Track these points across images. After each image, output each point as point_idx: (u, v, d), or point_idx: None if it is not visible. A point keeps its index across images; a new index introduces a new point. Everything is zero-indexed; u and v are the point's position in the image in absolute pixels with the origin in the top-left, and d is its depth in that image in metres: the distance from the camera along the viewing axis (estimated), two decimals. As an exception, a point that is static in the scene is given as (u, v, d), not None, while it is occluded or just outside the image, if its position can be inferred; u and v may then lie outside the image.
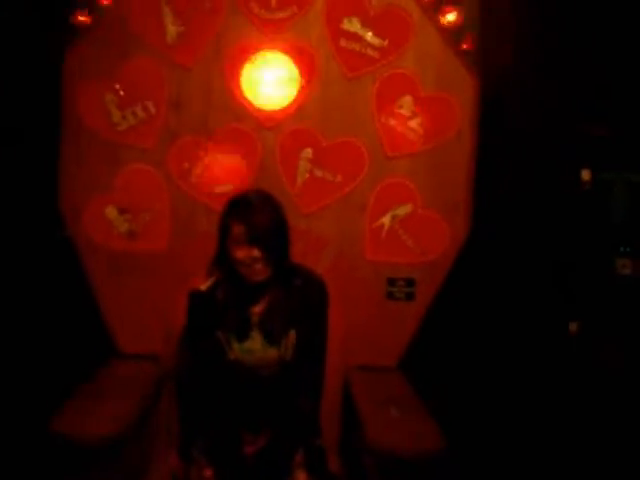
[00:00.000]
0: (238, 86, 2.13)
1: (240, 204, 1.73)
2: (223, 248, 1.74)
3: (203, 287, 1.78)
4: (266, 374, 1.78)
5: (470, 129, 2.15)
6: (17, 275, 2.36)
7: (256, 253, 1.67)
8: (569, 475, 2.30)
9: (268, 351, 1.77)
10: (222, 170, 2.15)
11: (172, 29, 2.13)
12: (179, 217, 2.15)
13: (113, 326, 2.15)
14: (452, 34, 2.18)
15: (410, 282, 2.16)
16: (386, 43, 2.14)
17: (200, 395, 1.81)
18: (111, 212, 2.14)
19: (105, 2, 2.13)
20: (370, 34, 2.14)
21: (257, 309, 1.80)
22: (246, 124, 2.14)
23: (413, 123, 2.16)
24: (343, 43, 2.14)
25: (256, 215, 1.68)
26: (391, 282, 2.16)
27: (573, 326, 2.36)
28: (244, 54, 2.13)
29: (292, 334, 1.78)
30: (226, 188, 2.11)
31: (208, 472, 1.68)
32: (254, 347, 1.78)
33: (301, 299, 1.79)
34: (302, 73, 2.14)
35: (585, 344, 2.36)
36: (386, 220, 2.16)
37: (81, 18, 2.15)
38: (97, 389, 1.94)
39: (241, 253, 1.68)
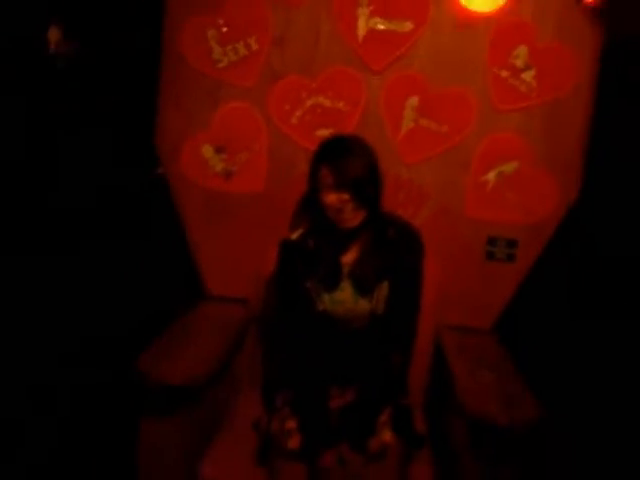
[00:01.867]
0: (347, 27, 2.04)
1: (330, 148, 1.68)
2: (313, 192, 1.68)
3: (294, 236, 1.74)
4: (356, 327, 1.73)
5: (588, 85, 2.02)
6: (115, 210, 2.35)
7: (345, 197, 1.62)
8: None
9: (359, 303, 1.72)
10: (324, 113, 2.07)
11: (280, -36, 2.05)
12: (277, 159, 2.09)
13: (204, 267, 2.14)
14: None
15: (512, 243, 2.07)
16: (505, -11, 2.02)
17: (287, 345, 1.78)
18: (208, 150, 2.10)
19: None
20: (488, -21, 2.02)
21: (348, 258, 1.74)
22: (352, 67, 2.05)
23: (527, 75, 2.04)
24: (458, -13, 2.03)
25: (345, 159, 1.64)
26: (492, 242, 2.07)
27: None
28: (354, -5, 2.03)
29: (384, 286, 1.72)
30: (327, 132, 2.04)
31: (291, 424, 1.64)
32: (344, 298, 1.72)
33: (395, 250, 1.73)
34: (412, 17, 2.03)
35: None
36: (491, 176, 2.06)
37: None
38: (184, 331, 1.92)
39: (330, 198, 1.63)
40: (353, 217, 1.66)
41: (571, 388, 2.25)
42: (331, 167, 1.64)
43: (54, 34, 2.24)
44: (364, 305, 1.73)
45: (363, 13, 2.05)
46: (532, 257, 2.07)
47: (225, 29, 2.07)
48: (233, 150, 2.09)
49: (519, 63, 2.04)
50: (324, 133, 2.04)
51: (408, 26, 2.05)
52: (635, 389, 2.25)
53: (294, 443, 1.62)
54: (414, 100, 2.06)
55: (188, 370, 1.64)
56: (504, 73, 2.05)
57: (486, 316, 2.10)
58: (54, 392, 2.29)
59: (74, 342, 2.33)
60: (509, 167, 2.06)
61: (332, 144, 1.72)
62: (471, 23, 2.03)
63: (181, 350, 1.77)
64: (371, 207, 1.68)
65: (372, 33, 2.05)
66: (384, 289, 1.73)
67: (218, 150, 2.09)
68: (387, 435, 1.65)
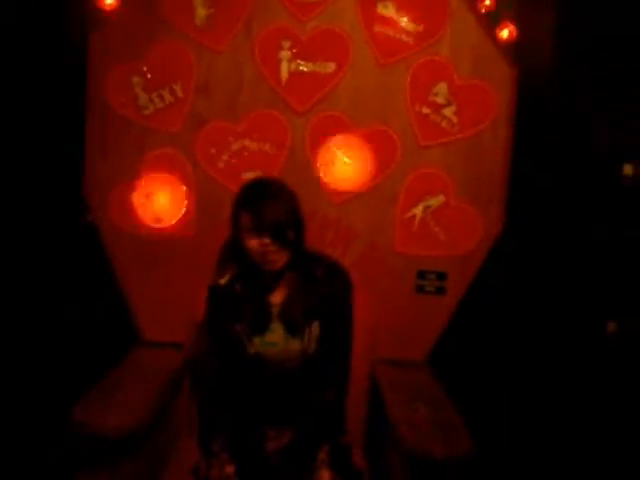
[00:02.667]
0: (270, 71, 2.07)
1: (249, 192, 1.71)
2: (235, 237, 1.70)
3: (222, 281, 1.75)
4: (288, 368, 1.74)
5: (506, 119, 2.09)
6: (41, 261, 2.33)
7: (266, 241, 1.63)
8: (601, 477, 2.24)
9: (290, 343, 1.73)
10: (251, 156, 2.10)
11: (201, 11, 2.08)
12: (205, 203, 2.10)
13: (137, 312, 2.13)
14: (489, 21, 2.11)
15: (441, 275, 2.10)
16: (421, 28, 2.07)
17: (220, 389, 1.78)
18: (137, 197, 2.09)
19: (133, -17, 2.08)
20: (405, 19, 2.07)
21: (276, 299, 1.76)
22: (277, 109, 2.08)
23: (447, 111, 2.09)
24: (377, 28, 2.07)
25: (264, 203, 1.65)
26: (421, 275, 2.11)
27: (611, 325, 2.28)
28: (276, 37, 2.07)
29: (315, 326, 1.74)
30: (254, 175, 2.06)
31: (229, 469, 1.64)
32: (275, 339, 1.74)
33: (323, 289, 1.75)
34: (334, 59, 2.07)
35: (623, 344, 2.28)
36: (418, 211, 2.10)
37: (107, 1, 2.09)
38: (119, 379, 1.90)
39: (252, 242, 1.65)
40: (277, 259, 1.67)
41: (506, 419, 2.28)
42: (251, 212, 1.66)
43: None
44: (295, 345, 1.74)
45: (285, 56, 2.08)
46: (462, 289, 2.11)
47: (150, 76, 2.08)
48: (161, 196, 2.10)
49: (439, 100, 2.10)
50: (251, 176, 2.05)
51: (330, 67, 2.09)
52: (574, 423, 2.29)
53: (233, 487, 1.61)
54: (338, 139, 2.09)
55: (122, 421, 1.62)
56: (425, 110, 2.10)
57: (419, 348, 2.13)
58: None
59: (5, 394, 2.28)
60: (435, 201, 2.10)
61: (251, 189, 1.74)
62: (391, 62, 2.08)
63: (115, 399, 1.75)
64: (294, 249, 1.70)
65: (295, 75, 2.08)
66: (315, 328, 1.75)
67: (148, 197, 2.09)
68: (325, 474, 1.65)
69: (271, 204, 1.66)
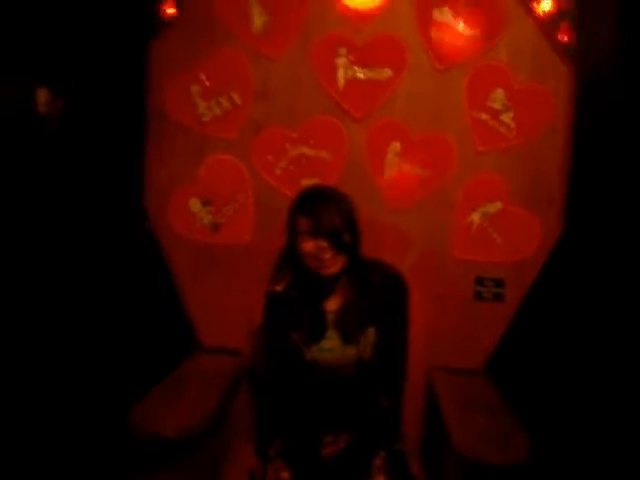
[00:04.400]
0: (327, 77, 2.08)
1: (305, 198, 1.73)
2: (291, 242, 1.72)
3: (279, 287, 1.78)
4: (344, 374, 1.75)
5: (565, 122, 2.05)
6: (104, 270, 2.37)
7: (323, 244, 1.64)
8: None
9: (346, 350, 1.74)
10: (308, 163, 2.10)
11: (258, 19, 2.09)
12: (264, 210, 2.12)
13: (196, 319, 2.14)
14: (548, 24, 2.08)
15: (499, 282, 2.08)
16: (478, 33, 2.05)
17: (277, 395, 1.79)
18: (195, 204, 2.12)
19: (192, -8, 2.11)
20: (462, 24, 2.06)
21: (332, 306, 1.77)
22: (334, 116, 2.09)
23: (505, 117, 2.07)
24: (433, 33, 2.06)
25: (320, 207, 1.67)
26: (479, 282, 2.09)
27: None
28: (332, 44, 2.07)
29: (370, 332, 1.74)
30: (312, 181, 2.07)
31: (285, 474, 1.65)
32: (331, 346, 1.74)
33: (379, 295, 1.76)
34: (391, 65, 2.07)
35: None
36: (475, 217, 2.08)
37: (168, 10, 2.14)
38: (178, 382, 1.92)
39: (308, 245, 1.66)
40: (333, 264, 1.68)
41: (565, 426, 2.25)
42: (308, 215, 1.68)
43: (42, 95, 2.28)
44: (351, 352, 1.75)
45: (342, 63, 2.09)
46: (520, 295, 2.08)
47: (208, 84, 2.11)
48: (220, 203, 2.12)
49: (497, 105, 2.08)
50: (309, 183, 2.07)
51: (387, 73, 2.08)
52: (631, 428, 2.24)
53: (289, 492, 1.62)
54: (396, 146, 2.09)
55: (182, 422, 1.64)
56: (483, 116, 2.08)
57: (477, 356, 2.11)
58: (46, 445, 2.28)
59: (67, 396, 2.33)
60: (492, 207, 2.08)
61: (307, 194, 1.77)
62: (448, 68, 2.07)
63: (175, 402, 1.77)
64: (350, 253, 1.70)
65: (352, 82, 2.08)
66: (370, 335, 1.75)
67: (205, 203, 2.12)
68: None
69: (327, 208, 1.69)
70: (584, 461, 2.24)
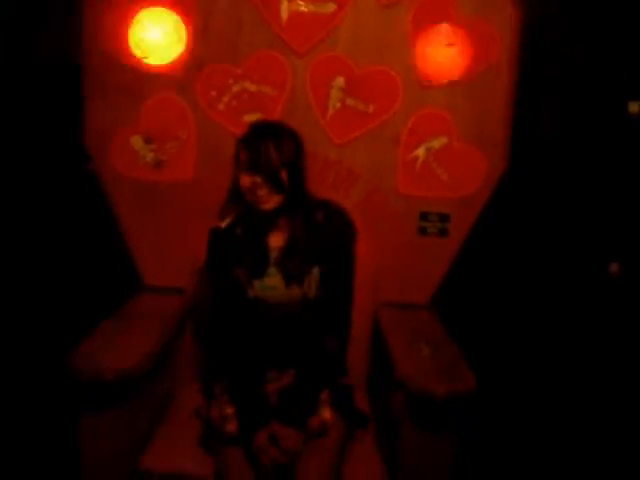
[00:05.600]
0: (270, 11, 2.04)
1: (251, 132, 1.71)
2: (236, 176, 1.70)
3: (222, 224, 1.77)
4: (289, 312, 1.75)
5: (510, 59, 2.05)
6: (43, 209, 2.32)
7: (258, 180, 1.63)
8: (602, 422, 2.24)
9: (290, 288, 1.74)
10: (251, 98, 2.07)
11: (200, -49, 2.04)
12: (206, 146, 2.08)
13: (139, 258, 2.12)
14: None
15: (444, 217, 2.09)
16: (423, -34, 2.03)
17: (221, 332, 1.78)
18: (137, 142, 2.08)
19: None
20: (406, -44, 2.03)
21: (276, 244, 1.76)
22: (277, 51, 2.05)
23: (450, 51, 2.06)
24: (378, -33, 2.04)
25: (262, 141, 1.66)
26: (424, 217, 2.09)
27: (614, 267, 2.26)
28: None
29: (315, 271, 1.74)
30: (255, 117, 2.04)
31: (229, 409, 1.65)
32: (274, 284, 1.74)
33: (324, 235, 1.75)
34: (335, -1, 2.04)
35: (626, 286, 2.26)
36: (420, 152, 2.08)
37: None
38: (120, 323, 1.90)
39: (245, 180, 1.66)
40: (268, 200, 1.67)
41: (507, 360, 2.28)
42: (248, 149, 1.67)
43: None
44: (295, 291, 1.74)
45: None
46: (465, 231, 2.10)
47: (147, 19, 2.05)
48: (162, 140, 2.08)
49: (442, 40, 2.06)
50: (252, 118, 2.04)
51: (331, 7, 2.05)
52: (575, 365, 2.29)
53: (232, 427, 1.62)
54: (340, 81, 2.06)
55: (122, 365, 1.61)
56: (428, 50, 2.06)
57: (422, 291, 2.13)
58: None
59: (5, 336, 2.29)
60: (437, 143, 2.08)
61: (254, 129, 1.74)
62: (392, 2, 2.04)
63: (116, 344, 1.75)
64: (288, 192, 1.69)
65: (295, 16, 2.04)
66: (315, 274, 1.75)
67: (147, 141, 2.08)
68: (327, 413, 1.67)
69: (267, 144, 1.67)
70: (526, 394, 2.28)
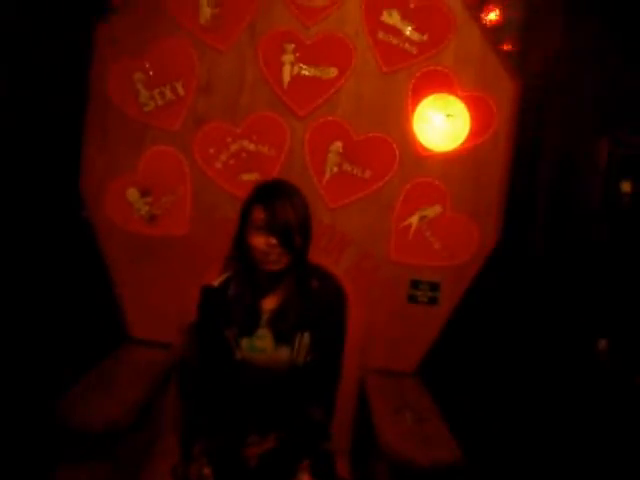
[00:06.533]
0: (272, 73, 2.07)
1: (265, 190, 1.71)
2: (241, 235, 1.70)
3: (215, 282, 1.77)
4: (275, 376, 1.73)
5: (507, 132, 2.08)
6: (34, 254, 2.31)
7: (273, 242, 1.63)
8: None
9: (279, 351, 1.72)
10: (249, 158, 2.08)
11: (207, 10, 2.07)
12: (201, 203, 2.09)
13: (127, 310, 2.10)
14: (494, 33, 2.11)
15: (434, 286, 2.09)
16: (425, 38, 2.07)
17: (205, 392, 1.77)
18: (132, 194, 2.08)
19: (139, -21, 2.07)
20: (410, 28, 2.07)
21: (269, 305, 1.75)
22: (277, 112, 2.07)
23: (449, 122, 2.09)
24: (381, 36, 2.07)
25: (280, 203, 1.66)
26: (414, 285, 2.09)
27: (602, 343, 2.26)
28: (280, 40, 2.06)
29: (306, 336, 1.73)
30: (252, 176, 2.06)
31: (207, 471, 1.63)
32: (264, 346, 1.73)
33: (318, 301, 1.75)
34: (337, 64, 2.07)
35: (615, 363, 2.26)
36: (414, 220, 2.09)
37: (115, -6, 2.09)
38: (105, 374, 1.88)
39: (258, 240, 1.65)
40: (278, 260, 1.67)
41: (494, 432, 2.27)
42: (264, 208, 1.67)
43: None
44: (284, 354, 1.73)
45: (288, 59, 2.07)
46: (454, 300, 2.10)
47: (152, 73, 2.07)
48: (158, 194, 2.08)
49: (441, 110, 2.08)
50: (249, 177, 2.06)
51: (333, 72, 2.08)
52: (564, 440, 2.27)
53: (209, 490, 1.59)
54: (338, 145, 2.08)
55: (106, 416, 1.60)
56: (426, 119, 2.08)
57: (409, 359, 2.11)
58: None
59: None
60: (431, 211, 2.09)
61: (267, 187, 1.75)
62: (393, 70, 2.07)
63: (101, 395, 1.72)
64: (297, 255, 1.70)
65: (297, 79, 2.07)
66: (306, 339, 1.74)
67: (143, 194, 2.08)
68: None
69: (285, 205, 1.68)
70: (513, 466, 2.26)
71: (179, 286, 2.05)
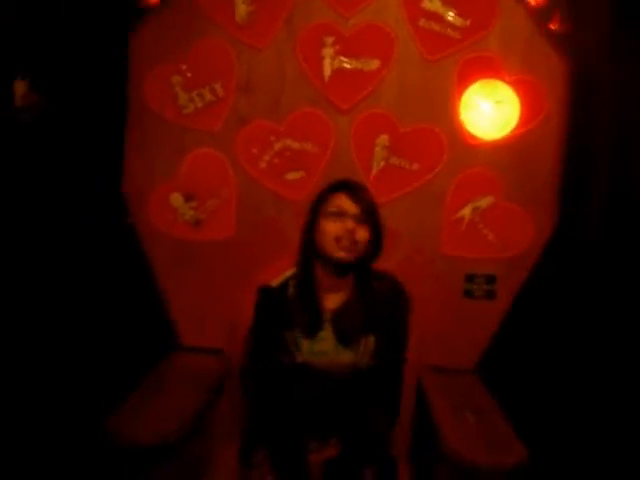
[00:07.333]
0: (313, 68, 2.02)
1: (340, 182, 1.68)
2: (312, 224, 1.65)
3: (274, 283, 1.70)
4: (337, 380, 1.67)
5: (559, 115, 2.00)
6: (81, 262, 2.30)
7: (350, 225, 1.60)
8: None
9: (341, 354, 1.66)
10: (293, 156, 2.03)
11: (242, 8, 2.02)
12: (246, 205, 2.05)
13: (176, 318, 2.07)
14: (539, 13, 2.02)
15: (490, 279, 2.02)
16: (468, 23, 1.99)
17: (266, 398, 1.71)
18: (176, 199, 2.05)
19: (173, -19, 2.04)
20: (451, 13, 2.00)
21: (332, 305, 1.69)
22: (320, 108, 2.02)
23: (498, 109, 2.02)
24: (422, 23, 2.00)
25: (361, 188, 1.67)
26: (470, 279, 2.03)
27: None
28: (318, 34, 2.01)
29: (371, 340, 1.67)
30: (297, 175, 2.02)
31: (269, 478, 1.59)
32: (326, 349, 1.66)
33: (382, 304, 1.69)
34: (378, 55, 2.01)
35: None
36: (466, 212, 2.02)
37: (149, -1, 2.07)
38: (156, 386, 1.85)
39: (334, 225, 1.60)
40: (350, 248, 1.61)
41: (556, 428, 2.18)
42: (346, 193, 1.64)
43: (20, 87, 2.21)
44: (347, 357, 1.67)
45: (328, 53, 2.02)
46: (512, 293, 2.03)
47: (190, 75, 2.04)
48: (202, 197, 2.05)
49: (489, 96, 2.01)
50: (294, 176, 2.03)
51: (375, 64, 2.02)
52: (627, 432, 2.17)
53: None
54: (384, 139, 2.03)
55: (160, 428, 1.57)
56: (475, 107, 2.02)
57: (468, 356, 2.05)
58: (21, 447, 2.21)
59: (43, 398, 2.25)
60: (483, 202, 2.02)
61: (342, 180, 1.71)
62: (437, 58, 2.01)
63: (153, 407, 1.70)
64: (368, 250, 1.65)
65: (338, 73, 2.02)
66: (370, 342, 1.68)
67: (187, 198, 2.05)
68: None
69: (366, 190, 1.69)
70: (577, 464, 2.17)
71: (228, 290, 2.02)
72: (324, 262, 1.66)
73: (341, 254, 1.62)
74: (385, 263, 1.92)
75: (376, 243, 1.68)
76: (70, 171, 2.29)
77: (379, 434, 1.69)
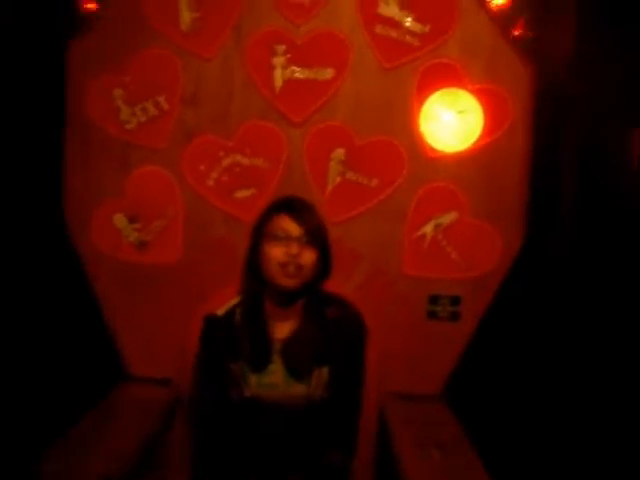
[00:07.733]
0: (263, 78, 1.90)
1: (284, 201, 1.58)
2: (255, 249, 1.55)
3: (219, 311, 1.60)
4: (289, 415, 1.57)
5: (524, 124, 1.91)
6: (19, 287, 2.17)
7: (294, 250, 1.49)
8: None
9: (293, 387, 1.56)
10: (243, 173, 1.92)
11: (186, 15, 1.91)
12: (194, 226, 1.93)
13: (122, 346, 1.95)
14: (502, 19, 1.94)
15: (455, 300, 1.92)
16: (428, 29, 1.89)
17: (213, 434, 1.61)
18: (120, 220, 1.93)
19: (113, -13, 1.92)
20: (409, 19, 1.90)
21: (281, 334, 1.59)
22: (271, 121, 1.91)
23: (461, 119, 1.92)
24: (379, 30, 1.90)
25: (306, 208, 1.56)
26: (433, 300, 1.93)
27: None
28: (268, 42, 1.90)
29: (324, 371, 1.56)
30: (247, 193, 1.91)
31: None
32: (275, 381, 1.56)
33: (335, 332, 1.58)
34: (333, 64, 1.90)
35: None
36: (428, 229, 1.92)
37: (88, 5, 1.95)
38: (100, 419, 1.72)
39: (278, 250, 1.50)
40: (295, 274, 1.50)
41: (527, 457, 2.10)
42: (289, 215, 1.53)
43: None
44: (299, 390, 1.57)
45: (279, 62, 1.92)
46: (478, 314, 1.93)
47: (132, 87, 1.92)
48: (147, 218, 1.93)
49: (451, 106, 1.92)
50: (244, 194, 1.92)
51: (329, 73, 1.92)
52: (603, 461, 2.09)
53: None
54: (340, 152, 1.92)
55: (103, 467, 1.43)
56: (435, 118, 1.92)
57: (432, 380, 1.95)
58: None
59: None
60: (447, 218, 1.93)
61: (286, 199, 1.61)
62: (395, 66, 1.91)
63: (96, 443, 1.57)
64: (315, 273, 1.54)
65: (290, 83, 1.91)
66: (324, 374, 1.57)
67: (131, 219, 1.93)
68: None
69: (311, 210, 1.58)
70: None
71: (176, 317, 1.90)
72: (270, 289, 1.56)
73: (287, 281, 1.51)
74: (344, 285, 1.84)
75: (324, 265, 1.57)
76: (7, 187, 2.15)
77: (334, 470, 1.59)
